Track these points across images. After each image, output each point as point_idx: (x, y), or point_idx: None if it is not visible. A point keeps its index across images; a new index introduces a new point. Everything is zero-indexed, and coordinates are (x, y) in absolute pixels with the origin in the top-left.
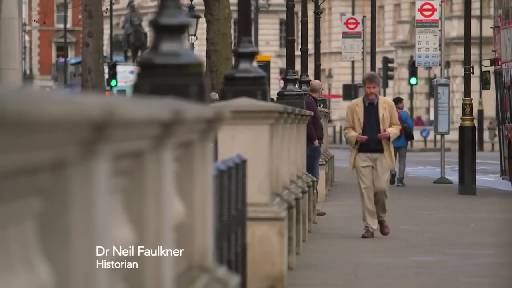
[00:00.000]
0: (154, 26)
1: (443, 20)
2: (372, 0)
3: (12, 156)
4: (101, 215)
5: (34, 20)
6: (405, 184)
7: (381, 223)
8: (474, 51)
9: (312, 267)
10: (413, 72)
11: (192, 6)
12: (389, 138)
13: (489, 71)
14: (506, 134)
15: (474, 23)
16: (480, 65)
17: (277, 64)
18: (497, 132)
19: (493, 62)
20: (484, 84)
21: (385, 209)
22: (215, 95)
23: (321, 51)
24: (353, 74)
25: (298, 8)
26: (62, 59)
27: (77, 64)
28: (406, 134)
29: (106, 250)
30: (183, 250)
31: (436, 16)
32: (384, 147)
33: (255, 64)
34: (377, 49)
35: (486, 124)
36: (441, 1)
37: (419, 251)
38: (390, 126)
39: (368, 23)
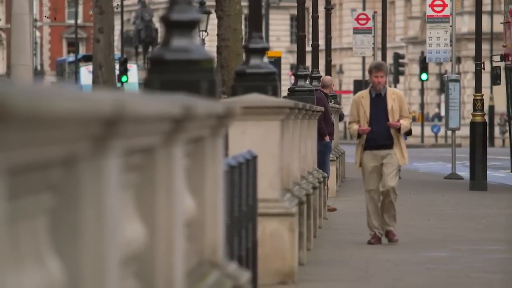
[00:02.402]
0: (165, 22)
1: (454, 16)
2: None
3: (23, 152)
4: (112, 211)
5: (45, 16)
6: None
7: (388, 233)
8: (485, 46)
9: (323, 262)
10: (424, 67)
11: (203, 2)
12: (399, 130)
13: (499, 67)
14: None
15: (485, 19)
16: (491, 61)
17: (288, 59)
18: (507, 128)
19: (504, 57)
20: (495, 79)
21: (394, 214)
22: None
23: (332, 46)
24: (364, 69)
25: (309, 3)
26: (61, 57)
27: (76, 62)
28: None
29: (117, 246)
30: (193, 245)
31: (447, 11)
32: (394, 141)
33: (265, 59)
34: (388, 44)
35: (497, 119)
36: None
37: (430, 246)
38: (400, 118)
39: (379, 18)
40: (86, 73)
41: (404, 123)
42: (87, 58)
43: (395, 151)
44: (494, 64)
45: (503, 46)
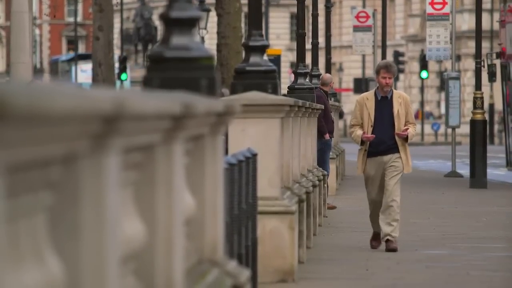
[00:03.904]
0: (165, 19)
1: (454, 14)
2: None
3: (23, 149)
4: (111, 209)
5: (45, 14)
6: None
7: (388, 242)
8: (485, 44)
9: (323, 261)
10: (424, 65)
11: (203, 0)
12: (406, 139)
13: (495, 64)
14: (511, 126)
15: (485, 17)
16: (486, 59)
17: (288, 57)
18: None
19: (499, 55)
20: (491, 76)
21: (397, 217)
22: (226, 91)
23: (332, 44)
24: (363, 67)
25: (308, 1)
26: (55, 56)
27: (69, 61)
28: None
29: (117, 244)
30: (193, 244)
31: (447, 9)
32: (399, 147)
33: (265, 57)
34: (388, 42)
35: (497, 117)
36: None
37: (430, 244)
38: (405, 124)
39: (379, 16)
40: (79, 72)
41: (412, 132)
42: (80, 57)
43: (399, 156)
44: (490, 62)
45: (499, 44)
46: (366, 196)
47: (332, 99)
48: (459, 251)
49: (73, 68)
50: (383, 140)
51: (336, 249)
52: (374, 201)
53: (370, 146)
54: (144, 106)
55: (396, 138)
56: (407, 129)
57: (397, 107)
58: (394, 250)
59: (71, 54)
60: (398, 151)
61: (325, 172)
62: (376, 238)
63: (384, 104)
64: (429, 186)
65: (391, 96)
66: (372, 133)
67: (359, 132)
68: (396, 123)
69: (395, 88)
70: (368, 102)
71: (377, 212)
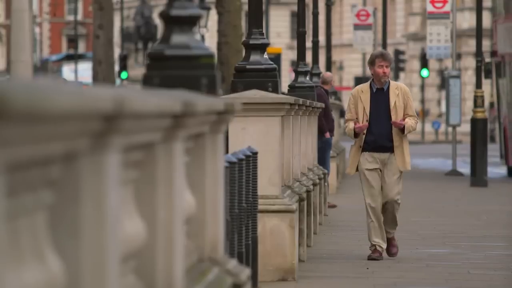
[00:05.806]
0: (165, 17)
1: (454, 12)
2: None
3: (23, 148)
4: (112, 207)
5: (45, 12)
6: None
7: (389, 240)
8: (486, 42)
9: (323, 259)
10: (424, 64)
11: None
12: (403, 131)
13: (490, 62)
14: (502, 121)
15: (486, 15)
16: (483, 56)
17: (288, 56)
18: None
19: (493, 53)
20: (486, 74)
21: (396, 222)
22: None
23: (332, 43)
24: (364, 66)
25: None
26: (46, 56)
27: (59, 61)
28: None
29: (117, 242)
30: (194, 242)
31: (447, 8)
32: (395, 143)
33: (266, 56)
34: (388, 41)
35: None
36: None
37: (430, 243)
38: (404, 117)
39: (380, 15)
40: (68, 72)
41: (410, 123)
42: (70, 57)
43: (396, 155)
44: (490, 60)
45: (493, 44)
46: (364, 201)
47: (333, 97)
48: (460, 249)
49: (63, 68)
50: (379, 135)
51: (337, 248)
52: (370, 205)
53: (365, 142)
54: (144, 104)
55: (394, 132)
56: (405, 119)
57: (394, 99)
58: (394, 255)
59: (62, 54)
60: (394, 149)
61: (326, 171)
62: (375, 251)
63: (380, 96)
64: (429, 184)
65: (388, 88)
66: (368, 128)
67: (351, 125)
68: (393, 116)
69: None
70: (362, 94)
71: (376, 221)
